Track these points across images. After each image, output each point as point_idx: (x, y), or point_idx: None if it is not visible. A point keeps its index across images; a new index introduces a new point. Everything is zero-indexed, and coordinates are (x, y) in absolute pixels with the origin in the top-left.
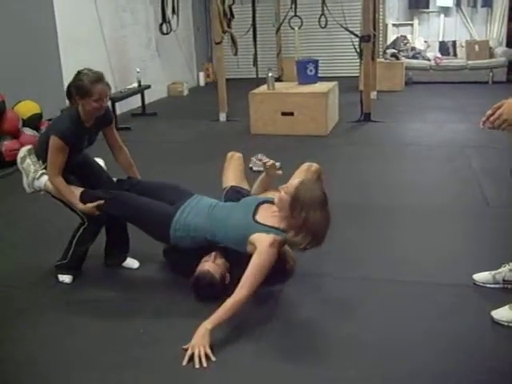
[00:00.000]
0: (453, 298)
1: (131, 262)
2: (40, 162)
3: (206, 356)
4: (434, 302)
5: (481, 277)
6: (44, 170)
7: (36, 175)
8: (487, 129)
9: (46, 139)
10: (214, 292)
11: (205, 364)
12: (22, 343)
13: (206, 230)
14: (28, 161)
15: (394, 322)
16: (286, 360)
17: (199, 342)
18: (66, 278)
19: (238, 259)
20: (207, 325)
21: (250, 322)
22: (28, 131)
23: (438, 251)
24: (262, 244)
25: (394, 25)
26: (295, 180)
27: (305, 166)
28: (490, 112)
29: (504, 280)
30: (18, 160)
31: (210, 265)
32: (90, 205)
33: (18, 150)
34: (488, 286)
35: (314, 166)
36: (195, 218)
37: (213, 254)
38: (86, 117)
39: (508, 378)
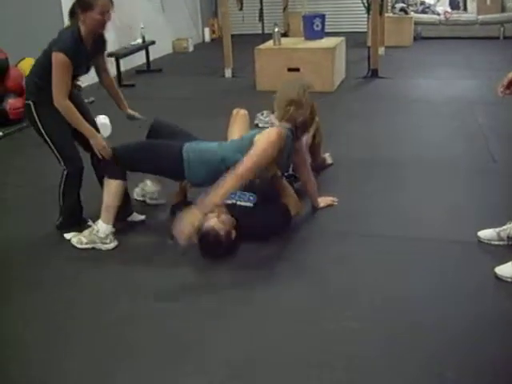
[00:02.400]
0: (457, 254)
1: (136, 216)
2: None
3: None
4: (437, 258)
5: (486, 234)
6: None
7: None
8: (506, 96)
9: (48, 59)
10: (219, 248)
11: (183, 242)
12: (27, 295)
13: (217, 152)
14: None
15: (397, 277)
16: (288, 312)
17: (187, 221)
18: (69, 236)
19: (244, 216)
20: (199, 209)
21: (253, 272)
22: None
23: (443, 207)
24: (268, 132)
25: None
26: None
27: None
28: (506, 81)
29: (508, 237)
30: None
31: (215, 221)
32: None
33: (22, 107)
34: (493, 242)
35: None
36: (206, 144)
37: (216, 209)
38: (87, 35)
39: (510, 332)
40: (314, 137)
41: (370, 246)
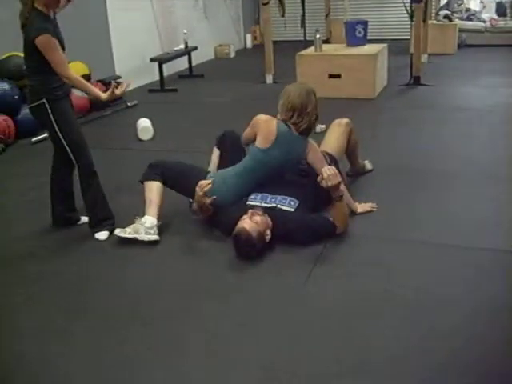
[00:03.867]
0: (490, 263)
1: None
2: None
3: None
4: (471, 267)
5: None
6: None
7: None
8: None
9: (31, 48)
10: (252, 249)
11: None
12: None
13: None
14: None
15: (430, 283)
16: (323, 312)
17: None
18: (101, 235)
19: (284, 220)
20: None
21: (290, 272)
22: (77, 92)
23: (480, 217)
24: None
25: None
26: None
27: (336, 121)
28: None
29: None
30: None
31: (247, 222)
32: (108, 92)
33: None
34: None
35: (345, 120)
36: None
37: (250, 211)
38: (47, 8)
39: None
40: (348, 141)
41: (403, 252)
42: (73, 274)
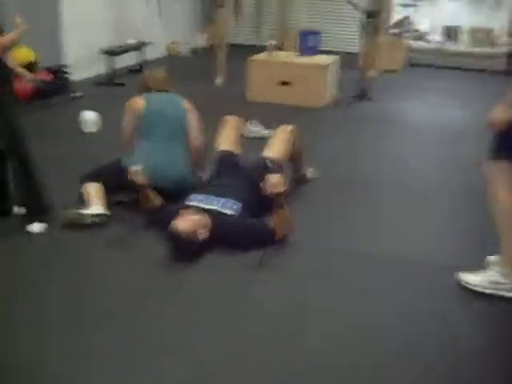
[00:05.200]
0: (429, 278)
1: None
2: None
3: None
4: (408, 281)
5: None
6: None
7: None
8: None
9: None
10: (186, 247)
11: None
12: None
13: None
14: None
15: (366, 298)
16: (260, 317)
17: None
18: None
19: (223, 223)
20: None
21: (228, 276)
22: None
23: (421, 231)
24: None
25: (401, 5)
26: None
27: (281, 127)
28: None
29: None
30: None
31: (179, 220)
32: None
33: None
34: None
35: (289, 127)
36: None
37: (181, 211)
38: None
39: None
40: (292, 148)
41: (343, 262)
42: (2, 267)
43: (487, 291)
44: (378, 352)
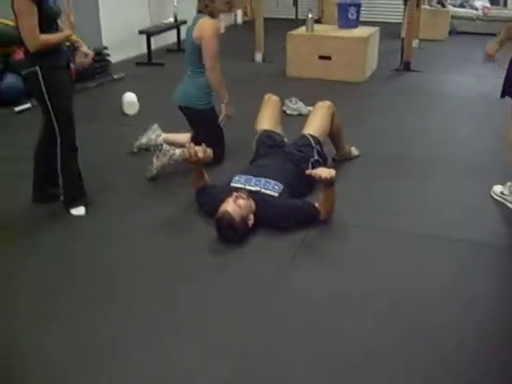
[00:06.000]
0: (472, 255)
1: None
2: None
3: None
4: (452, 260)
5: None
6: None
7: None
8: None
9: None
10: (235, 234)
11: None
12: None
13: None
14: None
15: (414, 276)
16: (303, 301)
17: None
18: (77, 211)
19: (266, 204)
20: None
21: (272, 259)
22: None
23: (466, 207)
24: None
25: None
26: None
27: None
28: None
29: None
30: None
31: (231, 205)
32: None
33: None
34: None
35: (327, 102)
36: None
37: (234, 194)
38: None
39: None
40: (331, 124)
41: (388, 243)
42: (52, 253)
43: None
44: (420, 340)
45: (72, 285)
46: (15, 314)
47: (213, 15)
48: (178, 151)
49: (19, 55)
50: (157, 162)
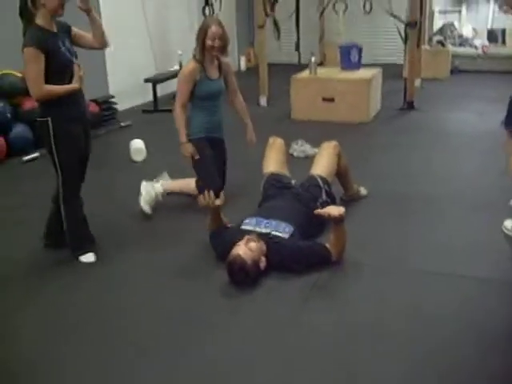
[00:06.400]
0: (479, 292)
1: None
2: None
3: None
4: (461, 296)
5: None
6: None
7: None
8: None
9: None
10: (247, 277)
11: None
12: None
13: None
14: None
15: (424, 315)
16: (316, 343)
17: None
18: (87, 258)
19: (277, 246)
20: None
21: (284, 301)
22: None
23: (473, 243)
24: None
25: (440, 11)
26: None
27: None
28: None
29: None
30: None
31: (242, 248)
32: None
33: None
34: None
35: (333, 142)
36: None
37: (246, 237)
38: (47, 21)
39: None
40: (338, 164)
41: (400, 281)
42: (63, 300)
43: None
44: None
45: (85, 332)
46: (28, 360)
47: (194, 58)
48: (157, 185)
49: (28, 105)
50: (145, 206)
